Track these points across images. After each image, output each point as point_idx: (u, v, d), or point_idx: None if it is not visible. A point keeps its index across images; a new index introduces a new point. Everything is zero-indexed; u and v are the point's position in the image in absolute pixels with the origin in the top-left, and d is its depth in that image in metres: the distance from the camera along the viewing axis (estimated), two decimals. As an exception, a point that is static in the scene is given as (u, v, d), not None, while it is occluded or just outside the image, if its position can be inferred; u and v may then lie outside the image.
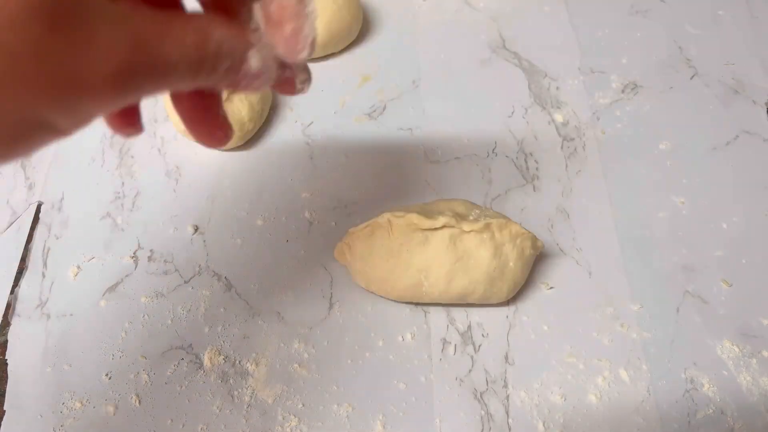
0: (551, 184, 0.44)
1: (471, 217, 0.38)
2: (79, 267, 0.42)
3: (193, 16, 0.23)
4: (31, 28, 0.17)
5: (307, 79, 0.27)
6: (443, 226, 0.36)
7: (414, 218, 0.36)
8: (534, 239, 0.38)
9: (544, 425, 0.36)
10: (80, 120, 0.20)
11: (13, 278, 0.42)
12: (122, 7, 0.20)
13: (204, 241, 0.43)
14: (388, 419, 0.36)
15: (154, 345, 0.39)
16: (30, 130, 0.20)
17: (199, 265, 0.42)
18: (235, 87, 0.24)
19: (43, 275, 0.42)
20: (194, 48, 0.22)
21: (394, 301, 0.39)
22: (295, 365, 0.38)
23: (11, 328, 0.40)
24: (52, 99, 0.19)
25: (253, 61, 0.24)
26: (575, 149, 0.46)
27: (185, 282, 0.41)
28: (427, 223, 0.36)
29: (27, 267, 0.43)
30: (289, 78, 0.26)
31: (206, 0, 0.26)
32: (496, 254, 0.37)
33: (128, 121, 0.25)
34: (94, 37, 0.19)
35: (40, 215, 0.45)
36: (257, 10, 0.25)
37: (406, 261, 0.37)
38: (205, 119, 0.28)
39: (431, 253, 0.36)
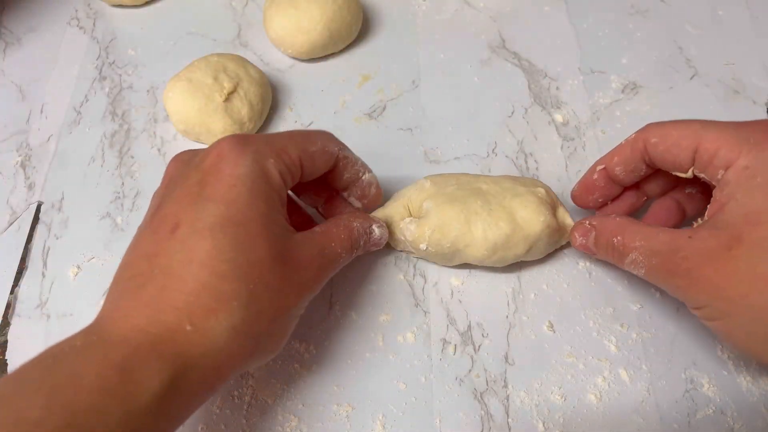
0: (551, 184, 0.44)
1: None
2: (79, 267, 0.42)
3: (339, 218, 0.36)
4: (275, 269, 0.30)
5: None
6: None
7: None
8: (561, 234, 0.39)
9: (544, 425, 0.36)
10: (303, 308, 0.33)
11: (13, 278, 0.42)
12: (306, 233, 0.33)
13: (204, 241, 0.43)
14: (388, 419, 0.36)
15: (154, 345, 0.39)
16: (293, 321, 0.33)
17: (199, 265, 0.42)
18: (366, 250, 0.38)
19: (43, 275, 0.42)
20: (347, 239, 0.35)
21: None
22: (295, 365, 0.38)
23: (11, 328, 0.40)
24: (297, 299, 0.32)
25: (376, 230, 0.37)
26: (575, 149, 0.46)
27: (185, 282, 0.41)
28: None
29: (27, 267, 0.43)
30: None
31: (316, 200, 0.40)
32: (528, 250, 0.38)
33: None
34: (301, 259, 0.32)
35: (40, 215, 0.45)
36: (351, 198, 0.39)
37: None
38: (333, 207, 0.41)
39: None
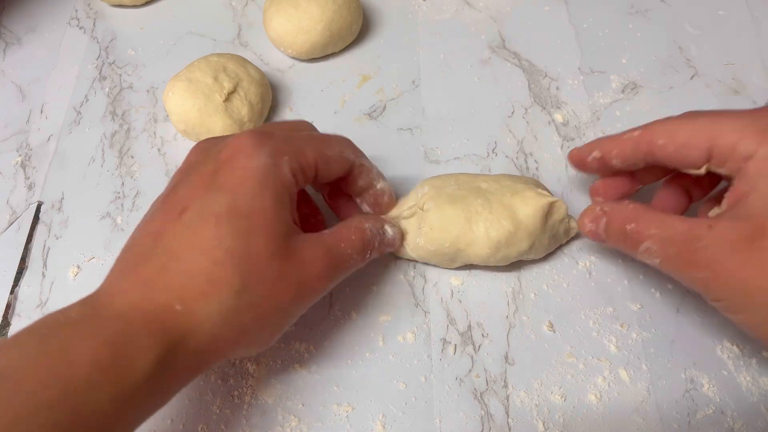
0: (551, 184, 0.44)
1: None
2: (79, 267, 0.42)
3: (350, 220, 0.36)
4: (273, 263, 0.30)
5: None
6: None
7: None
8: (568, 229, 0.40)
9: (544, 425, 0.36)
10: (306, 307, 0.33)
11: (13, 278, 0.42)
12: (314, 234, 0.33)
13: (204, 241, 0.43)
14: (388, 419, 0.36)
15: (154, 345, 0.39)
16: (289, 318, 0.32)
17: (199, 265, 0.42)
18: (381, 252, 0.37)
19: (43, 275, 0.42)
20: (358, 240, 0.35)
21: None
22: (295, 365, 0.38)
23: (11, 328, 0.40)
24: (296, 297, 0.31)
25: (388, 231, 0.38)
26: (575, 149, 0.46)
27: (185, 282, 0.41)
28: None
29: (27, 267, 0.43)
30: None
31: (335, 204, 0.40)
32: (531, 246, 0.38)
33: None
34: (304, 257, 0.31)
35: (40, 215, 0.45)
36: (363, 205, 0.39)
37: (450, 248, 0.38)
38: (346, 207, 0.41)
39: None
